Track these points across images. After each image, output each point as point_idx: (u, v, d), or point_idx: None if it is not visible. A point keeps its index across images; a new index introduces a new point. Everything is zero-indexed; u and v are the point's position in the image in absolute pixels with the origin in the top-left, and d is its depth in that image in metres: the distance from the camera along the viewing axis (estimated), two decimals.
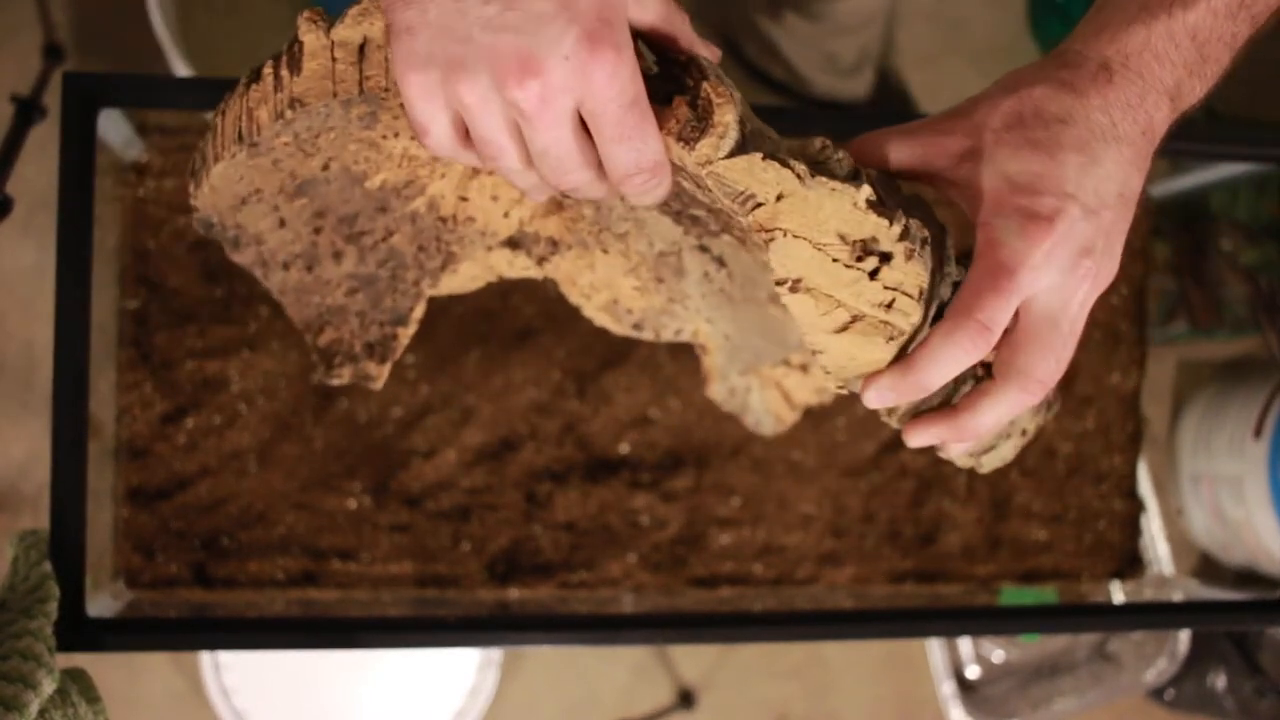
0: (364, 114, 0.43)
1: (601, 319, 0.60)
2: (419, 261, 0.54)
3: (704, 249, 0.57)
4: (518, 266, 0.56)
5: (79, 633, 0.62)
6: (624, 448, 0.91)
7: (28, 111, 0.88)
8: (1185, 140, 0.79)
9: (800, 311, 0.43)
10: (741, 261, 0.58)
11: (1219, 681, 1.26)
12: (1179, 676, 1.24)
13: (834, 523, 0.93)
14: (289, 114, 0.41)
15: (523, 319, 0.88)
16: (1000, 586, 0.99)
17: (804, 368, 0.69)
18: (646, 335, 0.63)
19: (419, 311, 0.54)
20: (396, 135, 0.46)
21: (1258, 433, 1.18)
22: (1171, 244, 1.24)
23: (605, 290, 0.58)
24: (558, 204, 0.54)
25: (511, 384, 0.89)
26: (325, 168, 0.48)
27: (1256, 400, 1.21)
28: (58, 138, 0.62)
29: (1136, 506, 1.03)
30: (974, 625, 0.82)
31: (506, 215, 0.53)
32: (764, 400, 0.73)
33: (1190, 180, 1.04)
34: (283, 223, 0.52)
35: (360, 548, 0.86)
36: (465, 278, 0.57)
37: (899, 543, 0.94)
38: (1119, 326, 1.03)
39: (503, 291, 0.86)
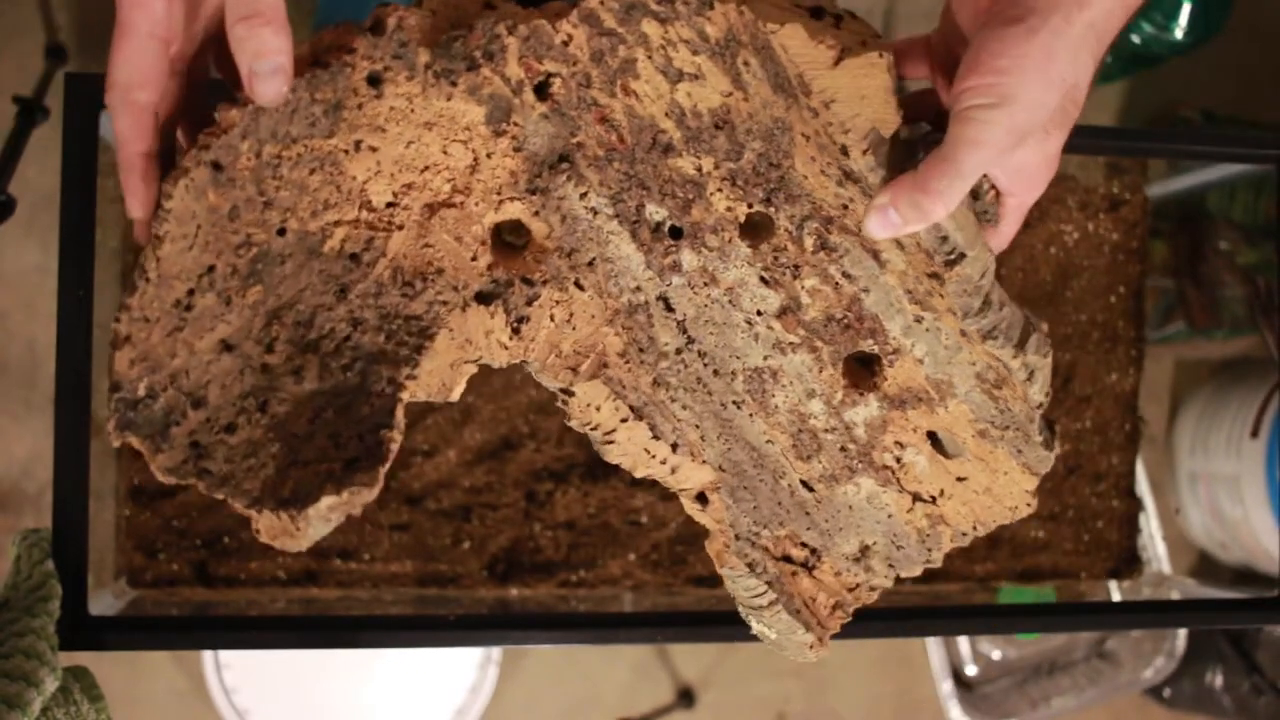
0: (327, 105, 0.43)
1: (597, 400, 0.50)
2: (391, 355, 0.47)
3: (667, 305, 0.49)
4: (495, 339, 0.49)
5: (81, 631, 0.62)
6: None
7: (30, 112, 0.88)
8: (1183, 141, 0.80)
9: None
10: (714, 331, 0.50)
11: (1216, 680, 1.27)
12: (1176, 675, 1.24)
13: None
14: (252, 105, 0.42)
15: None
16: (998, 585, 1.00)
17: (814, 554, 0.54)
18: (654, 467, 0.52)
19: (400, 412, 0.47)
20: (357, 148, 0.44)
21: (1255, 432, 1.18)
22: (1169, 244, 1.25)
23: (592, 355, 0.50)
24: (519, 222, 0.49)
25: (511, 384, 0.89)
26: (281, 232, 0.44)
27: (1254, 400, 1.21)
28: (60, 138, 0.62)
29: (1134, 506, 1.04)
30: (972, 624, 0.83)
31: (474, 259, 0.48)
32: (787, 609, 0.54)
33: (1188, 181, 1.04)
34: (228, 346, 0.45)
35: (361, 547, 0.87)
36: (443, 366, 0.48)
37: None
38: (1117, 326, 1.03)
39: None
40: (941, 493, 0.52)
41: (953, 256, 0.45)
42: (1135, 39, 1.15)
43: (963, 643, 1.26)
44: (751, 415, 0.51)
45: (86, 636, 0.62)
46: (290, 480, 0.46)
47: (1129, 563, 1.04)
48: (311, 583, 0.86)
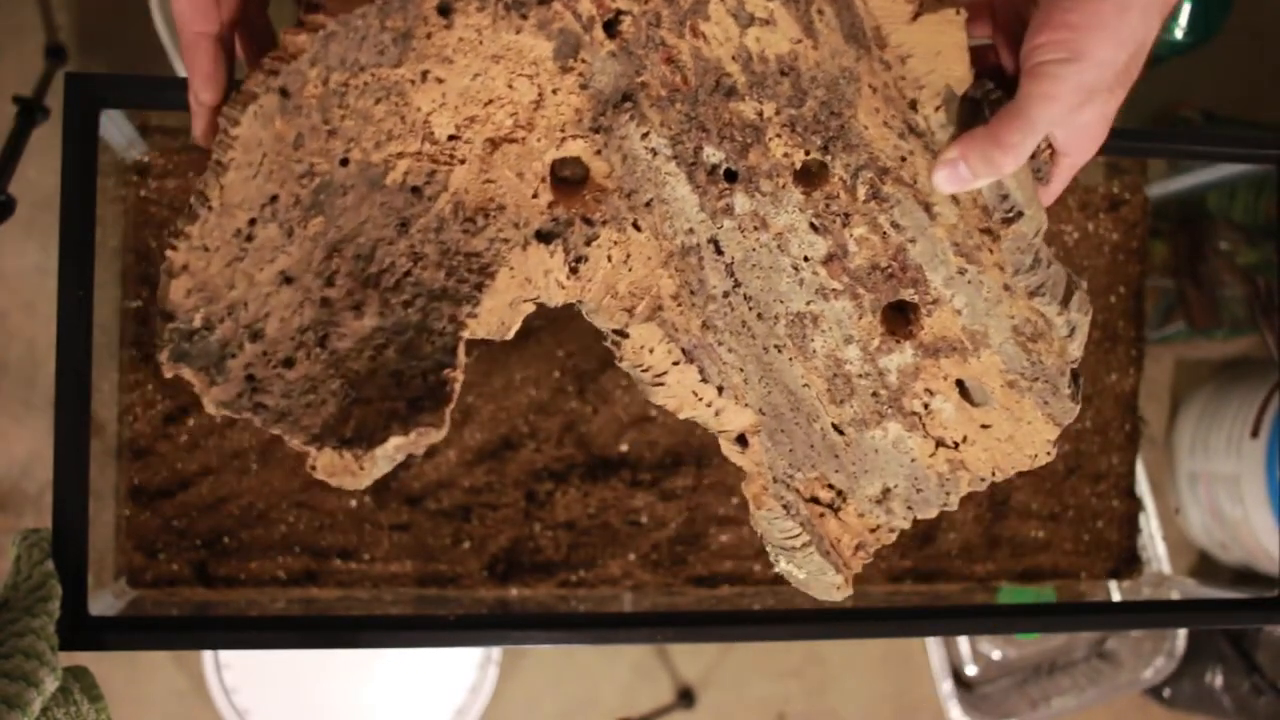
0: (396, 33, 0.42)
1: (651, 343, 0.51)
2: (452, 292, 0.47)
3: (717, 248, 0.50)
4: (554, 278, 0.49)
5: (81, 631, 0.62)
6: (624, 447, 0.91)
7: (30, 112, 0.88)
8: (1183, 141, 0.80)
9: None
10: (760, 275, 0.50)
11: (1216, 680, 1.27)
12: (1176, 675, 1.24)
13: None
14: (328, 24, 0.41)
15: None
16: (998, 585, 1.00)
17: (840, 496, 0.55)
18: (699, 410, 0.52)
19: (462, 351, 0.46)
20: (424, 78, 0.44)
21: (1255, 432, 1.18)
22: (1169, 244, 1.25)
23: (647, 297, 0.50)
24: (577, 159, 0.49)
25: (511, 384, 0.90)
26: (345, 162, 0.44)
27: (1254, 400, 1.21)
28: (60, 138, 0.62)
29: (1134, 506, 1.04)
30: (972, 624, 0.83)
31: (535, 195, 0.48)
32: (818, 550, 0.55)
33: (1188, 181, 1.04)
34: (288, 278, 0.44)
35: (361, 546, 0.87)
36: (502, 305, 0.48)
37: (897, 542, 0.94)
38: (1117, 326, 1.03)
39: None
40: (964, 439, 0.52)
41: (1011, 214, 0.45)
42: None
43: (963, 643, 1.26)
44: (791, 359, 0.51)
45: (86, 636, 0.62)
46: (353, 419, 0.45)
47: (1129, 563, 1.04)
48: (311, 583, 0.86)
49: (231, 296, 0.43)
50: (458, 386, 0.46)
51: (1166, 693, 1.30)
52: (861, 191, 0.48)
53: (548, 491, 0.90)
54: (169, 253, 0.42)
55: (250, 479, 0.85)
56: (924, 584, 0.95)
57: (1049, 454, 0.52)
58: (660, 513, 0.91)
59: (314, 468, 0.45)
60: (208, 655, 1.10)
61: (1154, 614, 0.85)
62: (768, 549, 0.55)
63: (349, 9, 0.41)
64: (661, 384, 0.51)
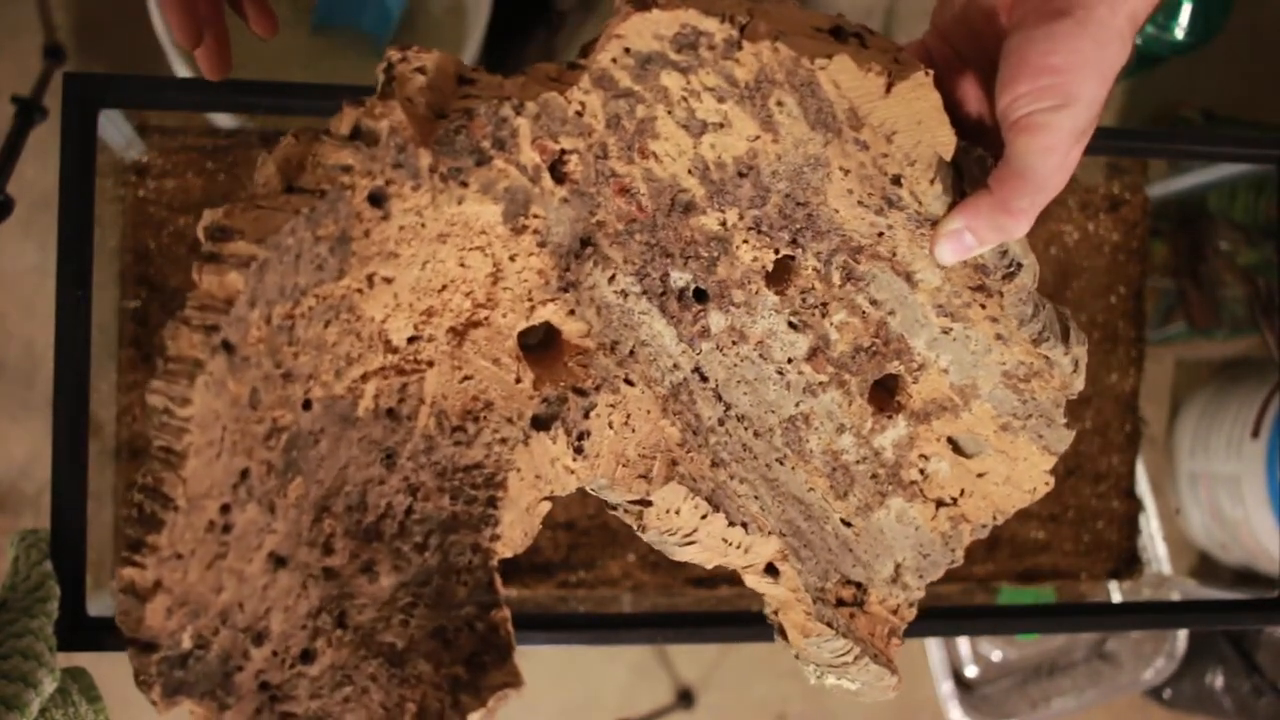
0: (331, 241, 0.37)
1: (676, 504, 0.46)
2: (465, 517, 0.41)
3: (702, 375, 0.45)
4: (561, 465, 0.43)
5: (80, 632, 0.62)
6: None
7: (28, 112, 0.88)
8: (1183, 141, 0.79)
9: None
10: (747, 390, 0.47)
11: (1217, 680, 1.27)
12: (1177, 675, 1.24)
13: None
14: (258, 253, 0.35)
15: None
16: (998, 586, 1.00)
17: (861, 590, 0.51)
18: (730, 555, 0.47)
19: (499, 581, 0.41)
20: (371, 283, 0.38)
21: (1255, 432, 1.18)
22: (1169, 244, 1.25)
23: (659, 455, 0.45)
24: (559, 325, 0.44)
25: None
26: (307, 405, 0.38)
27: (1254, 400, 1.21)
28: (58, 138, 0.62)
29: (1134, 506, 1.04)
30: (972, 625, 0.83)
31: (519, 380, 0.42)
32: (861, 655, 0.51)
33: (1188, 181, 1.04)
34: (280, 560, 0.38)
35: None
36: (522, 514, 0.43)
37: None
38: (1117, 326, 1.03)
39: None
40: (962, 493, 0.50)
41: (1011, 269, 0.43)
42: (1136, 39, 1.15)
43: (963, 643, 1.26)
44: (793, 468, 0.48)
45: (85, 637, 0.62)
46: (409, 703, 0.39)
47: (1129, 563, 1.04)
48: None
49: (222, 601, 0.37)
50: (511, 627, 0.40)
51: (1167, 694, 1.30)
52: (836, 276, 0.44)
53: None
54: (131, 572, 0.35)
55: None
56: None
57: (1047, 484, 0.51)
58: None
59: None
60: None
61: (1154, 615, 0.85)
62: (807, 669, 0.51)
63: (267, 228, 0.35)
64: (693, 542, 0.46)
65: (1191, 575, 1.33)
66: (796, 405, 0.47)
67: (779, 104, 0.40)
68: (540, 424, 0.42)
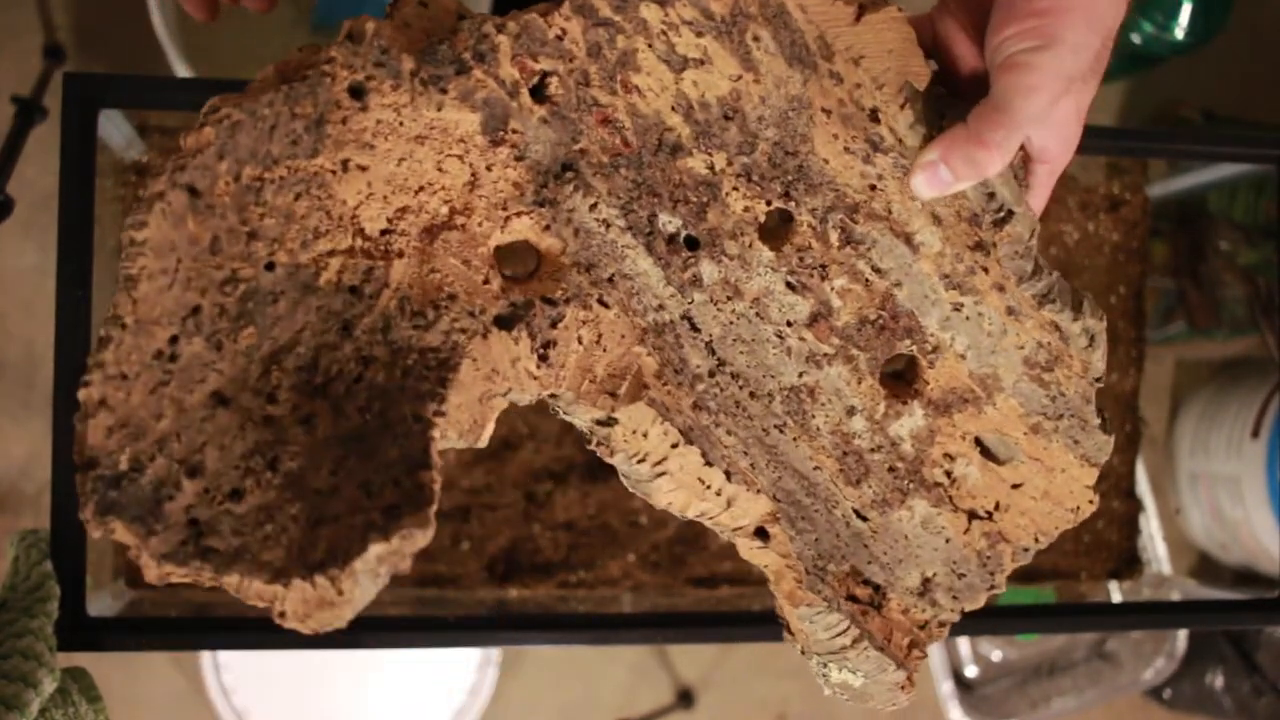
0: (308, 120, 0.39)
1: (643, 425, 0.44)
2: (412, 391, 0.41)
3: (692, 325, 0.45)
4: (523, 368, 0.43)
5: (79, 632, 0.62)
6: None
7: (29, 112, 0.88)
8: (1183, 141, 0.79)
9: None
10: (745, 349, 0.46)
11: (1217, 680, 1.27)
12: (1177, 676, 1.24)
13: None
14: (233, 113, 0.38)
15: None
16: None
17: (879, 592, 0.48)
18: (709, 501, 0.46)
19: (435, 451, 0.40)
20: (345, 167, 0.40)
21: (1256, 432, 1.18)
22: (1169, 244, 1.25)
23: (629, 378, 0.44)
24: (524, 247, 0.45)
25: None
26: (270, 266, 0.40)
27: (1254, 400, 1.21)
28: (58, 138, 0.62)
29: (1134, 506, 1.04)
30: (972, 624, 0.82)
31: (486, 281, 0.43)
32: (866, 653, 0.48)
33: (1188, 181, 1.04)
34: (222, 399, 0.39)
35: None
36: (471, 400, 0.42)
37: None
38: (1117, 326, 1.03)
39: None
40: (997, 506, 0.48)
41: (1001, 214, 0.43)
42: (1135, 39, 1.15)
43: (963, 643, 1.26)
44: (795, 440, 0.46)
45: (85, 637, 0.62)
46: (321, 541, 0.39)
47: (1129, 563, 1.04)
48: None
49: (160, 429, 0.38)
50: (437, 489, 0.40)
51: (1167, 694, 1.30)
52: (834, 237, 0.44)
53: (547, 492, 0.90)
54: (81, 389, 0.37)
55: None
56: None
57: (1092, 502, 0.48)
58: (660, 513, 0.91)
59: (283, 614, 0.39)
60: (206, 656, 1.10)
61: (1154, 615, 0.85)
62: (813, 665, 0.49)
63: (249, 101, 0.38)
64: (663, 473, 0.45)
65: (1191, 575, 1.33)
66: (800, 375, 0.46)
67: (755, 39, 0.42)
68: (503, 323, 0.42)
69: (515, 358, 0.43)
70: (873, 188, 0.44)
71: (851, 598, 0.48)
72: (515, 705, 1.24)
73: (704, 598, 0.91)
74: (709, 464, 0.45)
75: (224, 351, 0.39)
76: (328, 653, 1.06)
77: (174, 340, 0.38)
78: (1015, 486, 0.48)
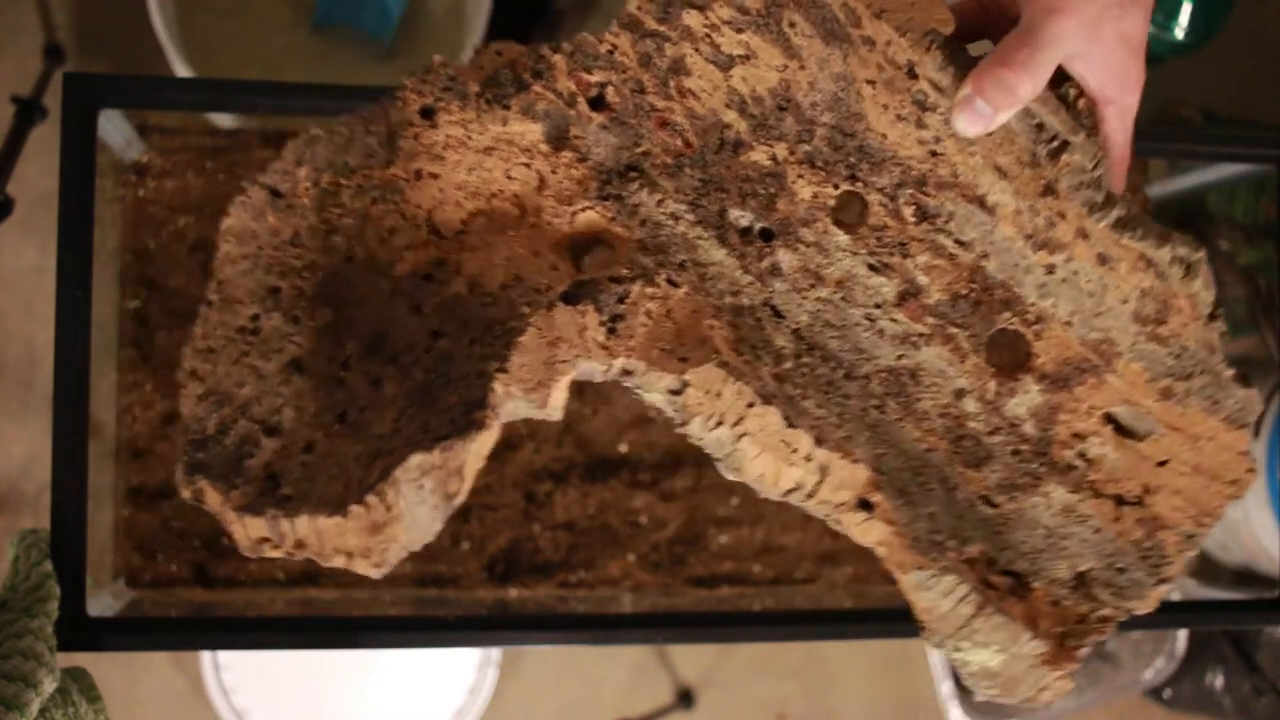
0: (380, 136, 0.43)
1: (716, 385, 0.43)
2: (478, 354, 0.42)
3: (776, 312, 0.44)
4: (591, 338, 0.43)
5: (80, 632, 0.62)
6: (623, 447, 0.91)
7: (29, 112, 0.88)
8: (1183, 141, 0.79)
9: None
10: (836, 334, 0.45)
11: (1217, 680, 1.27)
12: (1177, 675, 1.24)
13: None
14: (312, 130, 0.42)
15: None
16: None
17: (1020, 581, 0.44)
18: (798, 468, 0.43)
19: (493, 398, 0.40)
20: (418, 176, 0.44)
21: (1256, 432, 1.18)
22: None
23: (702, 346, 0.44)
24: (595, 238, 0.46)
25: None
26: (349, 259, 0.43)
27: None
28: (58, 138, 0.62)
29: None
30: None
31: (554, 267, 0.44)
32: (993, 628, 0.44)
33: (1188, 181, 1.04)
34: (299, 367, 0.42)
35: None
36: (535, 363, 0.42)
37: None
38: None
39: None
40: (1146, 489, 0.44)
41: (1055, 144, 0.42)
42: None
43: None
44: (899, 421, 0.44)
45: (85, 637, 0.62)
46: (376, 470, 0.40)
47: None
48: (310, 583, 0.86)
49: (243, 394, 0.42)
50: (491, 422, 0.40)
51: (1167, 694, 1.30)
52: (908, 213, 0.44)
53: (547, 492, 0.90)
54: (180, 365, 0.41)
55: None
56: None
57: (1251, 471, 0.44)
58: (660, 513, 0.91)
59: (350, 555, 0.40)
60: (206, 656, 1.10)
61: (1154, 615, 0.85)
62: (944, 650, 0.45)
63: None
64: (743, 433, 0.43)
65: (1191, 575, 1.33)
66: (898, 358, 0.45)
67: (791, 24, 0.43)
68: (569, 299, 0.43)
69: (582, 328, 0.43)
70: (933, 153, 0.44)
71: (986, 584, 0.44)
72: (515, 705, 1.24)
73: (704, 598, 0.91)
74: (792, 426, 0.43)
75: (301, 326, 0.43)
76: (328, 653, 1.06)
77: (255, 317, 0.42)
78: (1161, 464, 0.44)
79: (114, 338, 0.83)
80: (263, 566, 0.85)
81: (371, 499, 0.39)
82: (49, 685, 0.53)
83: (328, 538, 0.40)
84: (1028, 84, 0.39)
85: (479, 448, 0.40)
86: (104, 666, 0.61)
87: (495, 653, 1.14)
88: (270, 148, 0.85)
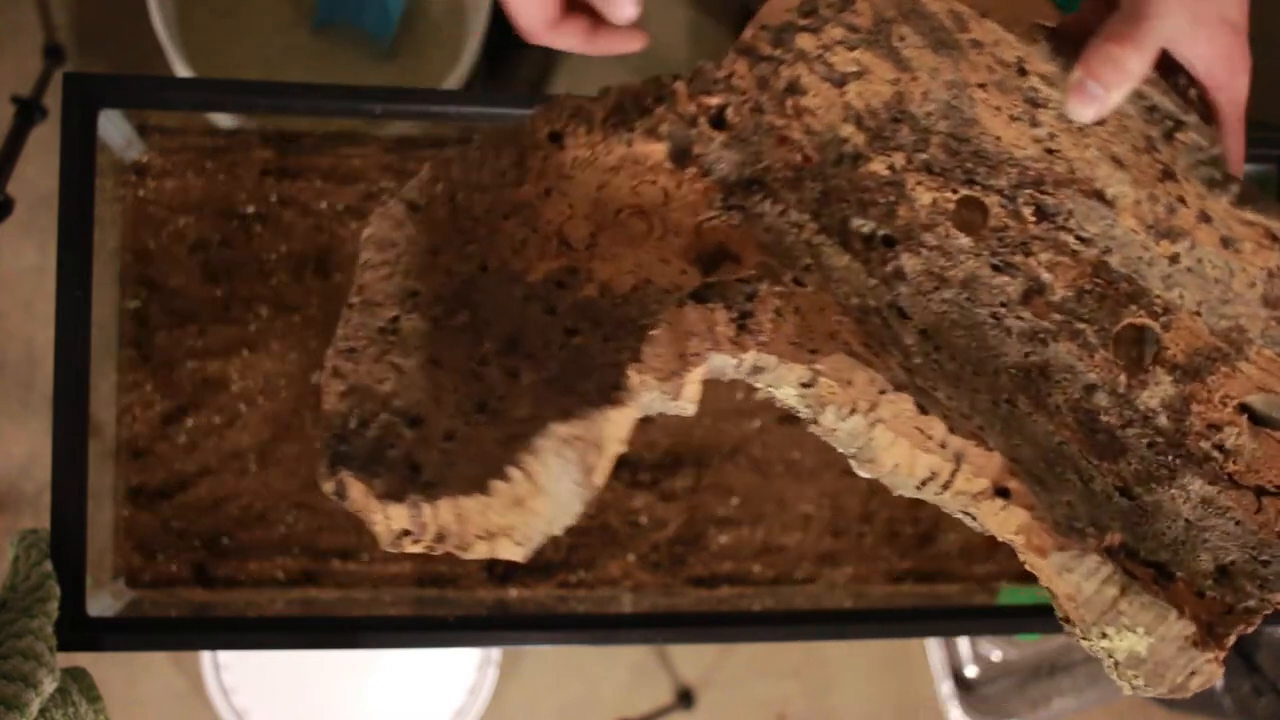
0: (511, 159, 0.45)
1: (847, 374, 0.43)
2: (611, 348, 0.43)
3: (902, 314, 0.44)
4: (722, 333, 0.43)
5: (79, 632, 0.62)
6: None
7: (29, 112, 0.88)
8: None
9: None
10: (963, 334, 0.45)
11: (1216, 680, 1.27)
12: None
13: (833, 522, 0.93)
14: (448, 154, 0.44)
15: None
16: (999, 586, 1.00)
17: (1162, 571, 0.43)
18: (934, 455, 0.42)
19: (631, 382, 0.40)
20: (548, 194, 0.46)
21: None
22: None
23: (832, 339, 0.43)
24: (721, 251, 0.47)
25: None
26: (484, 268, 0.45)
27: None
28: (58, 138, 0.62)
29: None
30: (972, 625, 0.83)
31: (683, 272, 0.45)
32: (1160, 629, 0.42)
33: None
34: (438, 363, 0.43)
35: (360, 547, 0.86)
36: (669, 354, 0.42)
37: (898, 542, 0.94)
38: None
39: None
40: None
41: (1170, 124, 0.42)
42: None
43: (963, 643, 1.26)
44: (1030, 414, 0.44)
45: (85, 637, 0.62)
46: (515, 447, 0.40)
47: None
48: (310, 583, 0.86)
49: (384, 390, 0.42)
50: (628, 404, 0.40)
51: None
52: (1027, 213, 0.45)
53: None
54: (324, 364, 0.42)
55: (249, 480, 0.85)
56: (924, 584, 0.95)
57: None
58: (660, 513, 0.91)
59: (492, 536, 0.39)
60: (206, 656, 1.10)
61: None
62: (1089, 641, 0.43)
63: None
64: (878, 420, 0.42)
65: None
66: (1025, 355, 0.45)
67: (901, 38, 0.45)
68: (699, 297, 0.44)
69: (712, 324, 0.43)
70: (1049, 151, 0.44)
71: (1128, 573, 0.43)
72: (515, 705, 1.24)
73: (704, 598, 0.91)
74: (925, 412, 0.42)
75: (440, 327, 0.44)
76: (328, 653, 1.06)
77: (395, 319, 0.43)
78: None
79: (114, 338, 0.83)
80: (263, 567, 0.85)
81: (514, 471, 0.39)
82: (49, 685, 0.53)
83: (470, 519, 0.39)
84: (1135, 58, 0.39)
85: (616, 427, 0.40)
86: (104, 666, 0.61)
87: (495, 653, 1.14)
88: (270, 148, 0.85)
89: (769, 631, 0.75)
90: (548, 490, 0.39)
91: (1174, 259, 0.44)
